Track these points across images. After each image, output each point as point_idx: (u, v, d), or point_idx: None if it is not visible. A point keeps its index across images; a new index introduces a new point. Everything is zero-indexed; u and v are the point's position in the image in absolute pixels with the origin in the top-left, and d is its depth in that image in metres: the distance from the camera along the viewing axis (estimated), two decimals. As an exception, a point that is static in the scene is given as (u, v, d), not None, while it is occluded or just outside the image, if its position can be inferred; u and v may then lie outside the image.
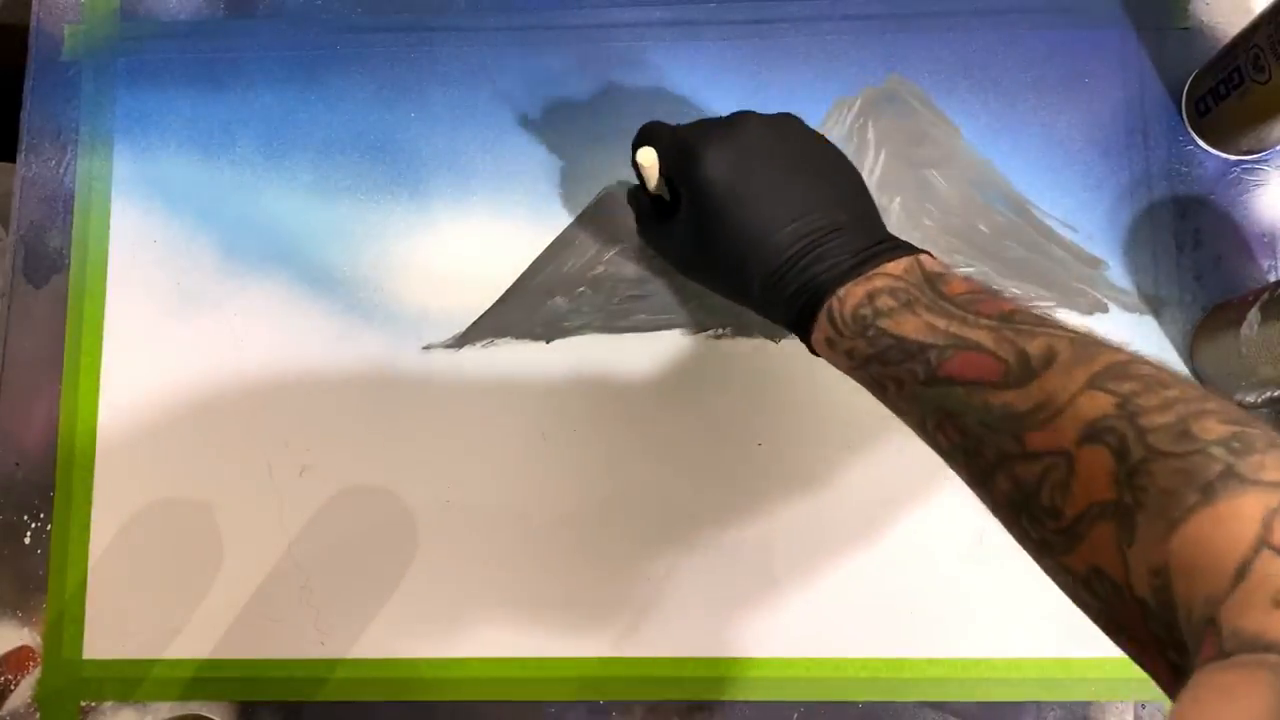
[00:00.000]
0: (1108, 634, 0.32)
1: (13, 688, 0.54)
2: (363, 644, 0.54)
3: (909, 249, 0.40)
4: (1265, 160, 0.55)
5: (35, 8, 0.60)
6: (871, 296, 0.38)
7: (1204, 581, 0.27)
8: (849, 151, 0.56)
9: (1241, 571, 0.26)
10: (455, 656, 0.53)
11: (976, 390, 0.35)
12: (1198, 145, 0.55)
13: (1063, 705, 0.51)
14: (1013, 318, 0.36)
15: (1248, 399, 0.51)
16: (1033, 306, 0.37)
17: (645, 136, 0.47)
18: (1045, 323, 0.35)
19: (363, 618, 0.54)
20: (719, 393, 0.54)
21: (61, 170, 0.58)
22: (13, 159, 0.59)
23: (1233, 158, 0.55)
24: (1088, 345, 0.34)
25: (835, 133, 0.56)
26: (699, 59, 0.57)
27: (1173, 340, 0.54)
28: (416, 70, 0.58)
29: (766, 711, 0.52)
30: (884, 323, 0.38)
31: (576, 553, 0.54)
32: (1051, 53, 0.56)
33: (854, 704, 0.52)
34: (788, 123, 0.45)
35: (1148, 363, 0.33)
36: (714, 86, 0.57)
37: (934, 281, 0.38)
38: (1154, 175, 0.55)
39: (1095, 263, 0.54)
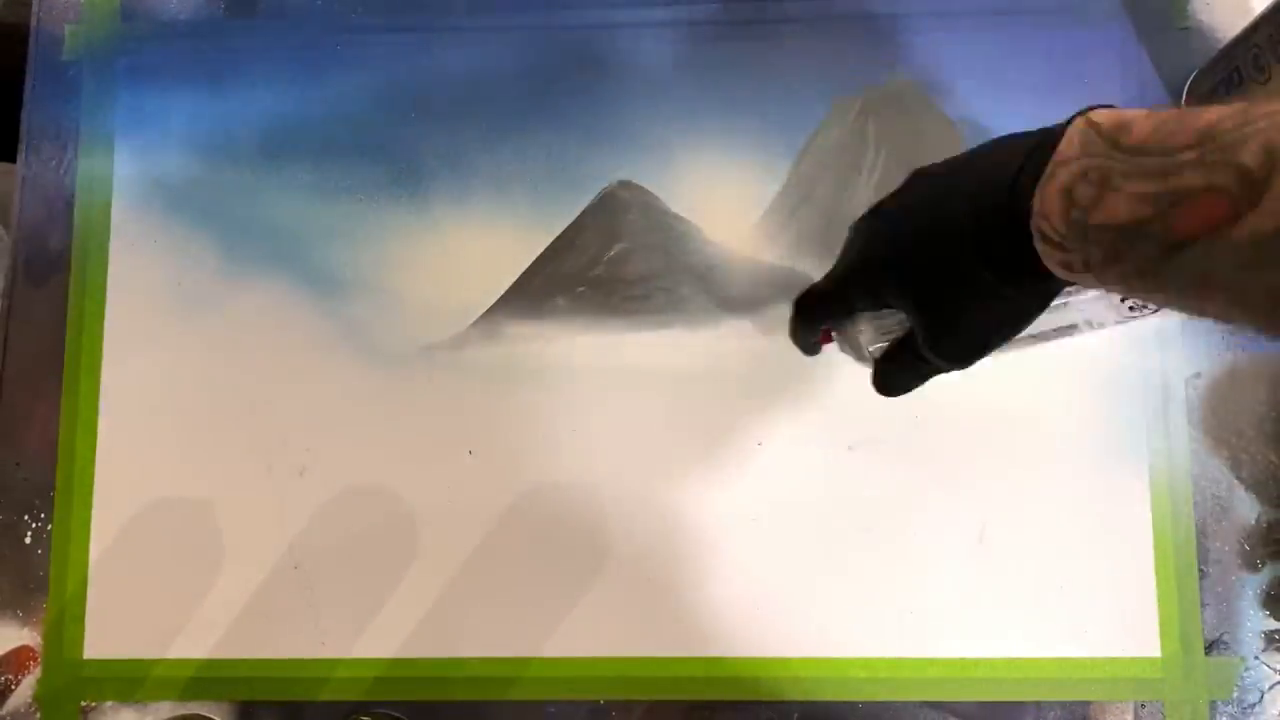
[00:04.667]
0: None
1: (13, 687, 0.54)
2: (363, 644, 0.54)
3: (1073, 118, 0.33)
4: (1265, 160, 0.54)
5: (36, 8, 0.60)
6: (1067, 192, 0.32)
7: None
8: (849, 151, 0.56)
9: None
10: (455, 656, 0.53)
11: (1215, 238, 0.28)
12: (1198, 145, 0.55)
13: (1063, 705, 0.51)
14: (1212, 132, 0.29)
15: None
16: (1229, 102, 0.30)
17: (807, 314, 0.42)
18: (1249, 117, 0.28)
19: (363, 618, 0.54)
20: (718, 393, 0.54)
21: (62, 170, 0.58)
22: (13, 159, 0.59)
23: (1233, 158, 0.55)
24: None
25: (835, 133, 0.56)
26: (699, 59, 0.57)
27: (1172, 339, 0.54)
28: (416, 70, 0.58)
29: (766, 711, 0.52)
30: (1095, 217, 0.31)
31: (576, 553, 0.54)
32: (1051, 53, 0.56)
33: (854, 704, 0.52)
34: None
35: None
36: (714, 86, 0.57)
37: (1117, 139, 0.31)
38: (1154, 175, 0.55)
39: (1095, 263, 0.54)
